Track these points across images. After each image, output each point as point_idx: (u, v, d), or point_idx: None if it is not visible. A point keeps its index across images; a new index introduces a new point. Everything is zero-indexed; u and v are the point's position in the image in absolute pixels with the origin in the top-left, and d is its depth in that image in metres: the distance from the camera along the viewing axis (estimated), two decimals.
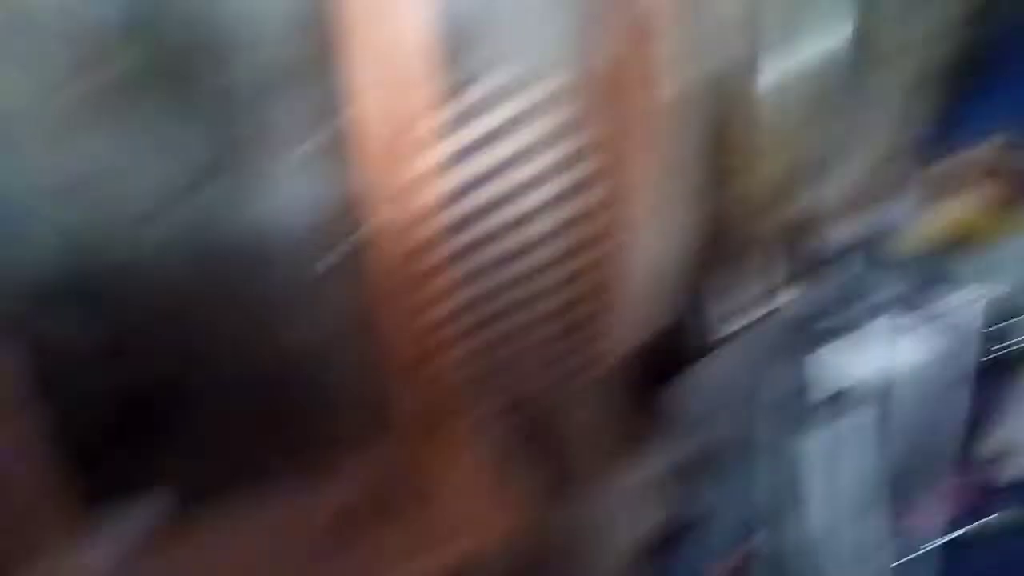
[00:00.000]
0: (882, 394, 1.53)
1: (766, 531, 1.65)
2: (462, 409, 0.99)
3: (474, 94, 1.37)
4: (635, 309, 2.12)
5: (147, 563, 0.92)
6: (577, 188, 1.65)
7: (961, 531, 1.56)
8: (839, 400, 1.51)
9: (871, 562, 1.56)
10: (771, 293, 1.64)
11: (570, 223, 1.66)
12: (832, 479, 1.53)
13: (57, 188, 1.72)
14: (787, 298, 1.61)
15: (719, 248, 1.80)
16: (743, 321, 1.62)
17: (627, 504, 2.03)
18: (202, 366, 2.00)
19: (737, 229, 1.75)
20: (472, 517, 1.00)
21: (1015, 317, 1.57)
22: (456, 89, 1.36)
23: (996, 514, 1.55)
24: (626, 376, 2.19)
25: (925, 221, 1.69)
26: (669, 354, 1.89)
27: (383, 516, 0.97)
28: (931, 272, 1.58)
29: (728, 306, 1.68)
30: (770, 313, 1.61)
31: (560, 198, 1.64)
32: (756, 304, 1.63)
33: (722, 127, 1.87)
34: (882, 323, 1.55)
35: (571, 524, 1.97)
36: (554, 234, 1.66)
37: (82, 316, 1.90)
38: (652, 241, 2.03)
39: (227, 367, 2.00)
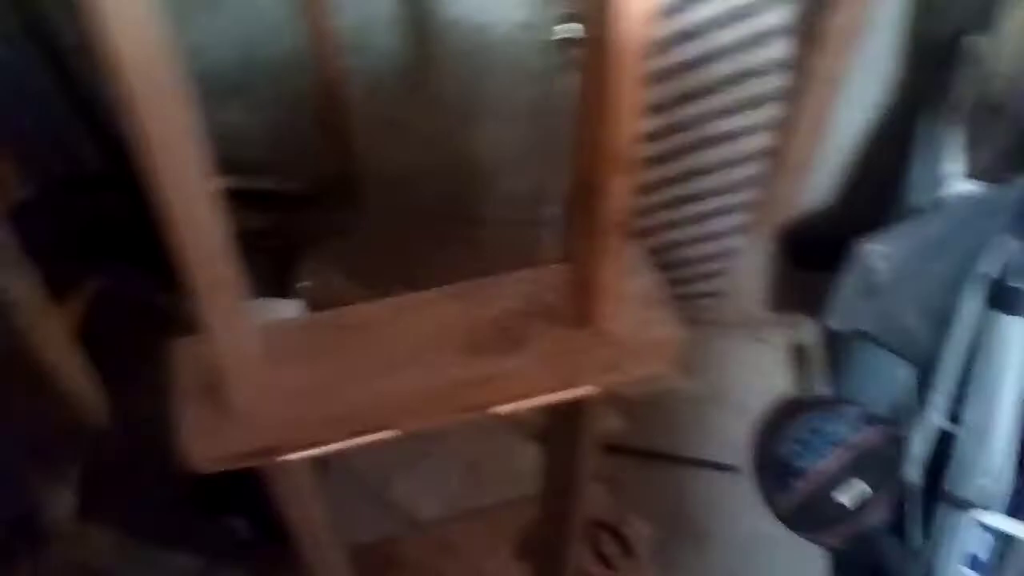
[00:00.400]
0: None
1: (927, 411, 1.60)
2: (634, 241, 0.95)
3: None
4: (823, 169, 2.03)
5: (314, 328, 0.95)
6: (779, 32, 1.54)
7: None
8: None
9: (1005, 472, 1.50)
10: (989, 168, 1.51)
11: (769, 67, 1.56)
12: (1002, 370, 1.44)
13: None
14: (1002, 176, 1.48)
15: (935, 115, 1.66)
16: (951, 192, 1.51)
17: (764, 368, 2.01)
18: (387, 161, 2.06)
19: (958, 97, 1.60)
20: (625, 350, 0.98)
21: None
22: None
23: None
24: (793, 238, 2.13)
25: None
26: (846, 221, 1.79)
27: (542, 329, 0.97)
28: None
29: (938, 174, 1.56)
30: (984, 190, 1.48)
31: (760, 38, 1.54)
32: (970, 177, 1.51)
33: None
34: None
35: (704, 378, 1.97)
36: (749, 75, 1.57)
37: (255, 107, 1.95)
38: (855, 101, 1.91)
39: (416, 164, 2.05)
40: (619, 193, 0.80)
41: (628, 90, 0.71)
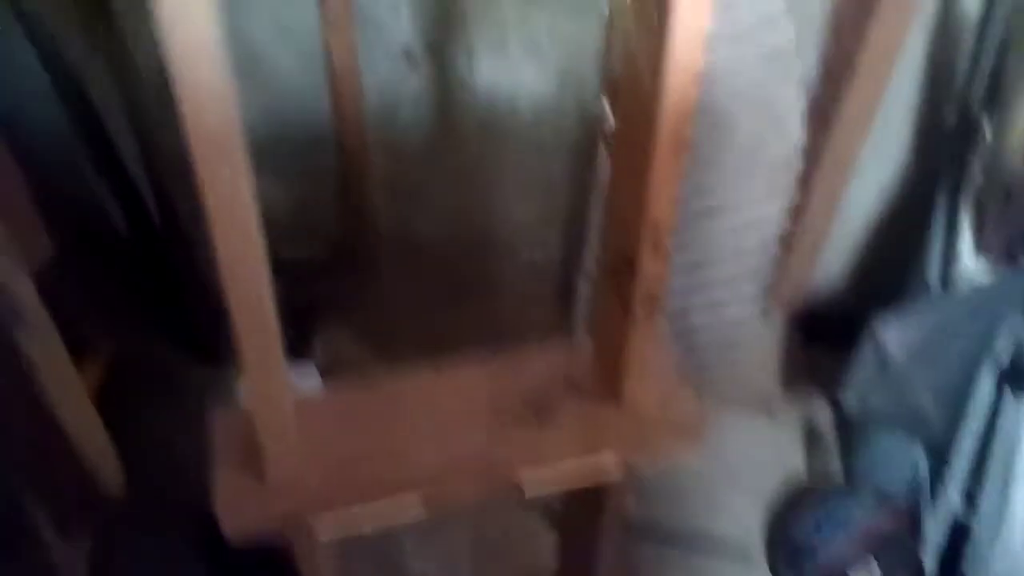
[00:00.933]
0: None
1: (942, 495, 1.59)
2: (659, 317, 0.96)
3: None
4: (836, 248, 2.05)
5: (343, 399, 0.95)
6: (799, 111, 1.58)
7: None
8: None
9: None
10: (1002, 251, 1.53)
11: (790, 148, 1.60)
12: (1017, 453, 1.44)
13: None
14: (1015, 258, 1.50)
15: (948, 199, 1.69)
16: (964, 274, 1.53)
17: (776, 447, 2.01)
18: (402, 233, 2.08)
19: (970, 180, 1.63)
20: (652, 426, 0.99)
21: None
22: None
23: None
24: (806, 317, 2.14)
25: None
26: (861, 303, 1.81)
27: (569, 403, 0.98)
28: None
29: (952, 256, 1.58)
30: (997, 272, 1.50)
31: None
32: (987, 260, 1.53)
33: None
34: None
35: (715, 455, 1.96)
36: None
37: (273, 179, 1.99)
38: (868, 182, 1.94)
39: (429, 235, 2.08)
40: (653, 269, 0.82)
41: (666, 168, 0.73)
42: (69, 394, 1.40)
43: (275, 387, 0.74)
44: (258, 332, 0.69)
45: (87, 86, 1.70)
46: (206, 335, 1.92)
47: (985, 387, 1.48)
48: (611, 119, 1.45)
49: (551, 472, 0.93)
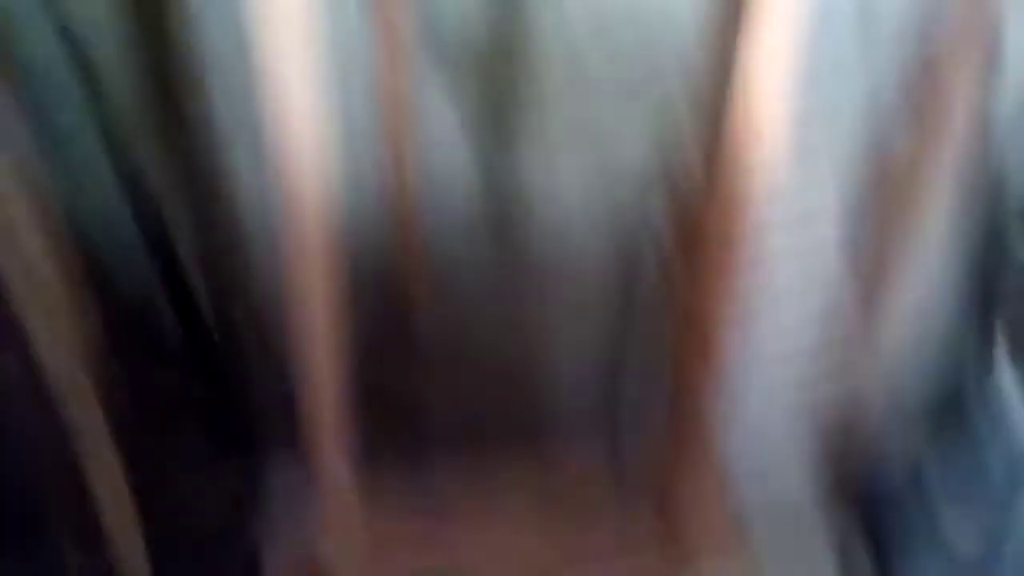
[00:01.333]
0: None
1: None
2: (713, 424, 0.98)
3: None
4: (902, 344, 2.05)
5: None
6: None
7: None
8: None
9: None
10: None
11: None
12: None
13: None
14: None
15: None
16: (1007, 397, 1.53)
17: (809, 558, 1.97)
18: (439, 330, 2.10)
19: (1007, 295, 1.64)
20: (697, 529, 1.00)
21: None
22: None
23: None
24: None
25: None
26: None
27: (611, 510, 0.98)
28: None
29: (988, 376, 1.58)
30: None
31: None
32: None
33: None
34: None
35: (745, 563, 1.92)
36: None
37: None
38: (929, 271, 1.94)
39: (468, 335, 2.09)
40: (707, 380, 0.83)
41: (724, 280, 0.75)
42: (104, 472, 1.41)
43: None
44: (331, 423, 0.71)
45: (154, 191, 1.76)
46: (243, 427, 1.93)
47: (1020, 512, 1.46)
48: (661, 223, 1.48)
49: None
